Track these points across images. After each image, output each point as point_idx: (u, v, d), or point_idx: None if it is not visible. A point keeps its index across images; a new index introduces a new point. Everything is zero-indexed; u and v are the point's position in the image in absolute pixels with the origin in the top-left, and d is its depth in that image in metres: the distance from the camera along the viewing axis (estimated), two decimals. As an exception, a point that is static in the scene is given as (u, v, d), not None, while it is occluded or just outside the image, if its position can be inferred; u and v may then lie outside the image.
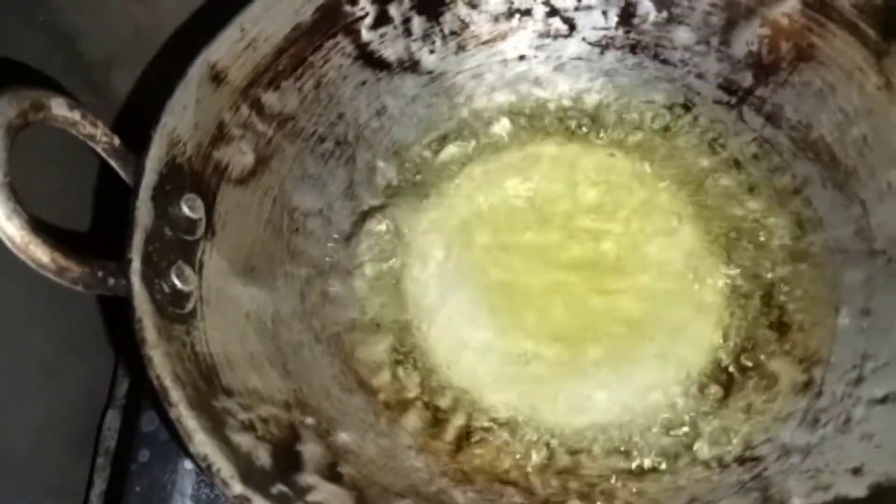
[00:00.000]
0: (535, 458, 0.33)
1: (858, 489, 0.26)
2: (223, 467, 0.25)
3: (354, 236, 0.40)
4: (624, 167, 0.40)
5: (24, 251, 0.26)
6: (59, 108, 0.29)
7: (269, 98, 0.38)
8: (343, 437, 0.32)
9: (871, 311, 0.33)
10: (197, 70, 0.34)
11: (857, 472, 0.27)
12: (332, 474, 0.30)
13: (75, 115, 0.30)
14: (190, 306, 0.31)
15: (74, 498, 0.58)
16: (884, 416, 0.29)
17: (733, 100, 0.40)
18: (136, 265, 0.29)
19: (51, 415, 0.53)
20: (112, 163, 0.32)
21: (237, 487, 0.24)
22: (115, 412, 0.61)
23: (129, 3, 0.53)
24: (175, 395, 0.26)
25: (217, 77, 0.35)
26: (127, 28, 0.55)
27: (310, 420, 0.32)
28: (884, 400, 0.29)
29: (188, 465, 0.40)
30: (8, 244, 0.26)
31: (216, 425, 0.27)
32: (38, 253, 0.26)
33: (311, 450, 0.30)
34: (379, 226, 0.40)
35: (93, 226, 0.61)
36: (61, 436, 0.55)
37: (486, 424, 0.35)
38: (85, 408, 0.60)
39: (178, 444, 0.27)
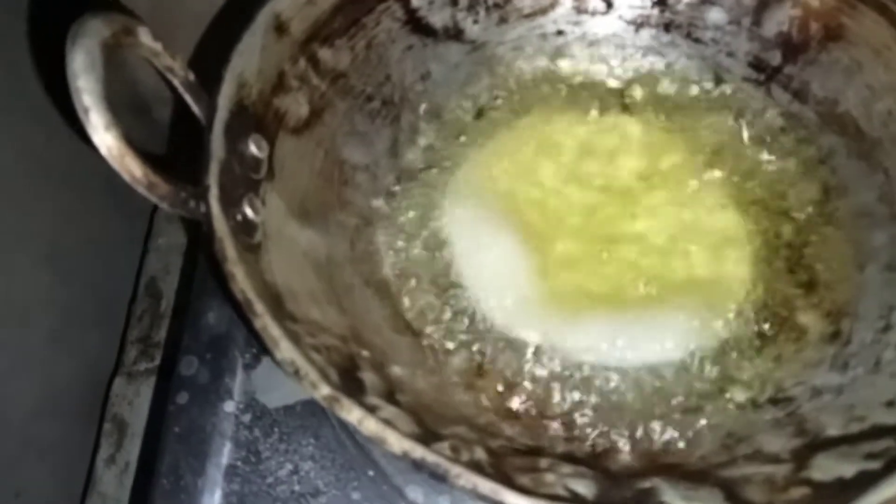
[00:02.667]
0: (574, 399, 0.35)
1: (893, 417, 0.28)
2: (310, 372, 0.26)
3: (398, 190, 0.42)
4: (658, 137, 0.42)
5: (121, 162, 0.27)
6: (145, 36, 0.31)
7: (325, 54, 0.39)
8: (396, 370, 0.34)
9: (896, 267, 0.35)
10: (263, 18, 0.36)
11: (891, 404, 0.29)
12: (391, 399, 0.31)
13: (158, 46, 0.31)
14: (258, 237, 0.32)
15: (80, 463, 0.58)
16: (913, 355, 0.31)
17: (762, 77, 0.43)
18: (214, 191, 0.30)
19: (56, 384, 0.54)
20: (186, 97, 0.33)
21: (325, 389, 0.25)
22: (122, 379, 0.62)
23: None
24: (259, 307, 0.27)
25: (280, 27, 0.37)
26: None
27: (365, 353, 0.33)
28: (913, 343, 0.32)
29: (228, 407, 0.40)
30: (105, 153, 0.27)
31: (294, 340, 0.28)
32: (133, 166, 0.27)
33: (370, 378, 0.32)
34: (421, 181, 0.42)
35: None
36: (67, 404, 0.56)
37: (530, 365, 0.36)
38: (91, 377, 0.60)
39: (264, 350, 0.28)
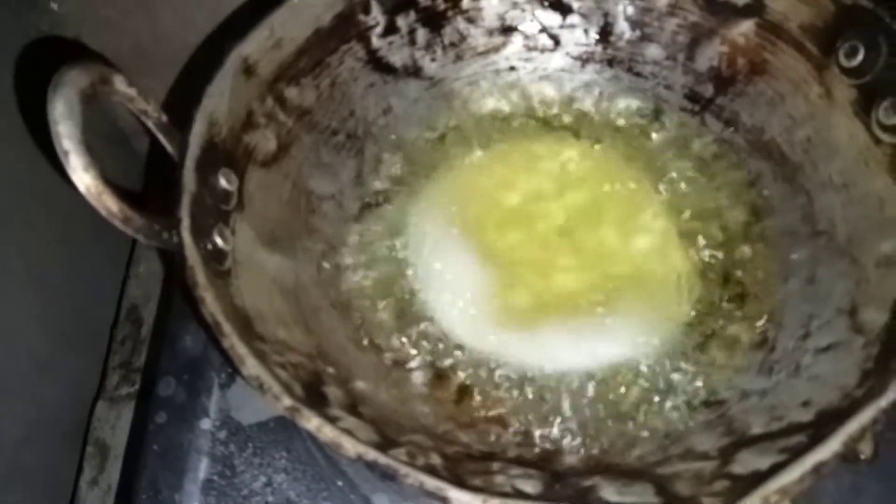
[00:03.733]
0: (527, 407, 0.38)
1: (807, 416, 0.31)
2: (273, 385, 0.28)
3: (362, 217, 0.45)
4: (602, 163, 0.45)
5: (98, 200, 0.30)
6: (120, 83, 0.34)
7: (291, 92, 0.42)
8: (360, 385, 0.36)
9: (816, 280, 0.38)
10: (232, 61, 0.38)
11: (805, 404, 0.32)
12: (353, 411, 0.33)
13: (132, 92, 0.34)
14: (227, 265, 0.35)
15: (64, 485, 0.59)
16: (827, 361, 0.34)
17: (697, 107, 0.46)
18: (186, 222, 0.33)
19: (42, 408, 0.55)
20: (159, 136, 0.36)
21: (287, 400, 0.28)
22: (105, 403, 0.63)
23: (129, 19, 0.58)
24: (227, 327, 0.30)
25: (248, 70, 0.39)
26: (127, 42, 0.59)
27: (330, 370, 0.36)
28: (826, 349, 0.35)
29: (204, 425, 0.43)
30: (84, 192, 0.29)
31: (260, 358, 0.30)
32: (109, 202, 0.30)
33: (334, 392, 0.34)
34: (384, 209, 0.45)
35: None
36: (51, 428, 0.57)
37: (483, 377, 0.39)
38: (74, 400, 0.61)
39: (232, 368, 0.31)
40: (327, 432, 0.27)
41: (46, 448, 0.56)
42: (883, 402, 0.27)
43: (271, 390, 0.28)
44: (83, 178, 0.29)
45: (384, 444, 0.30)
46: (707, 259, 0.42)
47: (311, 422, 0.27)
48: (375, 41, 0.45)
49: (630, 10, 0.46)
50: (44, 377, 0.55)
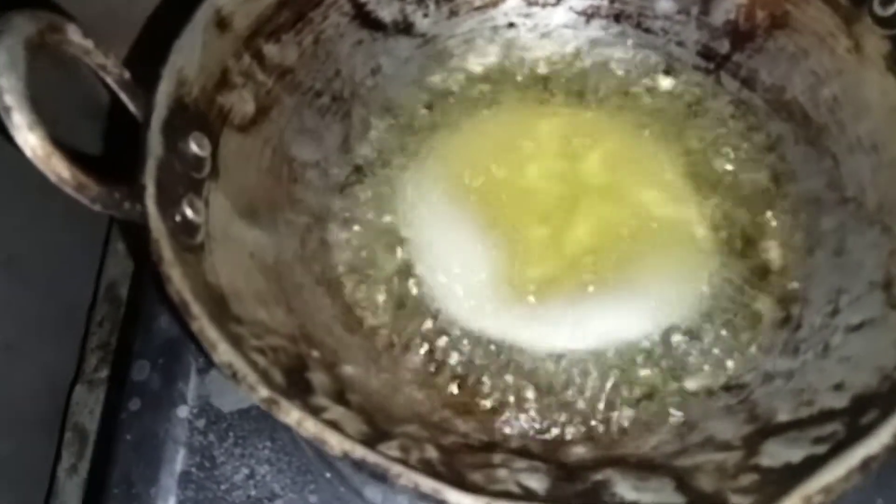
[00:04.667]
0: (530, 391, 0.35)
1: (841, 401, 0.28)
2: (248, 374, 0.25)
3: (350, 187, 0.41)
4: (613, 127, 0.42)
5: (46, 163, 0.26)
6: (74, 33, 0.30)
7: (270, 49, 0.39)
8: (348, 369, 0.33)
9: (845, 251, 0.35)
10: (203, 13, 0.35)
11: (838, 387, 0.29)
12: (340, 399, 0.30)
13: (88, 44, 0.31)
14: (200, 238, 0.32)
15: (41, 474, 0.57)
16: (860, 340, 0.31)
17: (711, 65, 0.43)
18: (150, 190, 0.29)
19: (14, 393, 0.53)
20: (122, 95, 0.33)
21: (263, 391, 0.25)
22: (83, 387, 0.61)
23: None
24: (196, 308, 0.27)
25: (222, 23, 0.36)
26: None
27: (315, 353, 0.33)
28: (859, 326, 0.32)
29: (182, 412, 0.40)
30: (29, 154, 0.26)
31: (235, 342, 0.27)
32: (60, 167, 0.27)
33: (319, 378, 0.31)
34: (373, 177, 0.42)
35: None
36: (26, 413, 0.55)
37: (484, 358, 0.36)
38: (50, 385, 0.59)
39: (204, 356, 0.27)
40: (309, 427, 0.24)
41: (21, 435, 0.54)
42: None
43: (246, 380, 0.25)
44: (28, 138, 0.26)
45: (374, 437, 0.28)
46: (725, 228, 0.39)
47: (291, 415, 0.24)
48: (363, -6, 0.42)
49: (639, -41, 0.42)
50: (16, 362, 0.52)
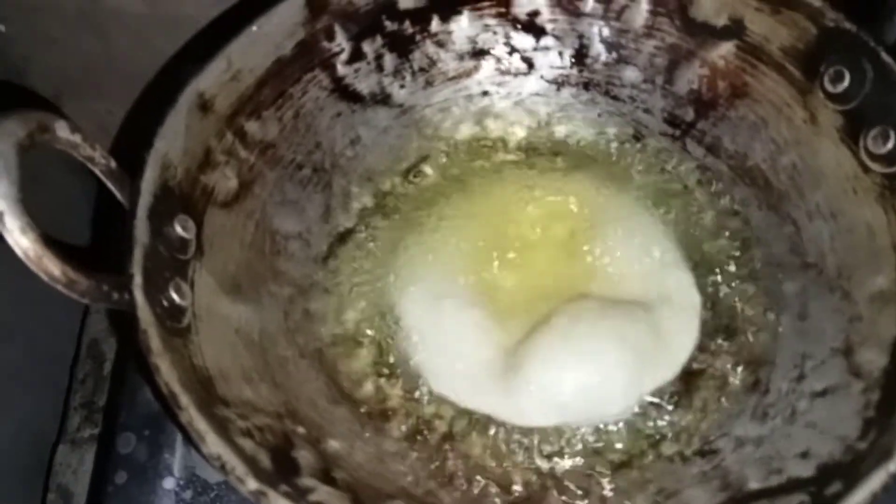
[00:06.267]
0: (515, 458, 0.36)
1: (807, 470, 0.30)
2: (237, 466, 0.26)
3: (332, 257, 0.42)
4: (582, 190, 0.43)
5: (38, 264, 0.27)
6: (62, 130, 0.31)
7: (252, 127, 0.40)
8: (333, 444, 0.34)
9: (808, 316, 0.37)
10: (187, 98, 0.36)
11: (804, 455, 0.31)
12: (326, 478, 0.31)
13: (76, 138, 0.32)
14: (186, 321, 0.32)
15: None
16: (824, 406, 0.33)
17: (677, 132, 0.44)
18: (138, 280, 0.30)
19: (-6, 455, 0.52)
20: (109, 184, 0.33)
21: (252, 484, 0.26)
22: (66, 447, 0.60)
23: (79, 40, 0.55)
24: (184, 399, 0.27)
25: (205, 106, 0.37)
26: (77, 63, 0.56)
27: (300, 429, 0.33)
28: (823, 393, 0.33)
29: (168, 484, 0.40)
30: (22, 257, 0.27)
31: (222, 429, 0.28)
32: (51, 266, 0.27)
33: (304, 456, 0.32)
34: (354, 246, 0.43)
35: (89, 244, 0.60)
36: (7, 473, 0.54)
37: (467, 429, 0.37)
38: (32, 444, 0.58)
39: (191, 443, 0.28)
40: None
41: (3, 496, 0.54)
42: (892, 465, 0.26)
43: (234, 472, 0.26)
44: (20, 241, 0.27)
45: (362, 517, 0.28)
46: (697, 292, 0.40)
47: (280, 507, 0.25)
48: (341, 69, 0.43)
49: (606, 31, 0.44)
50: (-3, 420, 0.52)
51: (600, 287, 0.40)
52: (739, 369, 0.37)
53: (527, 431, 0.36)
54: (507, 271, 0.41)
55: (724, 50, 0.41)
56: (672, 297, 0.40)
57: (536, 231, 0.43)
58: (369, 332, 0.40)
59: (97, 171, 0.33)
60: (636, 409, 0.37)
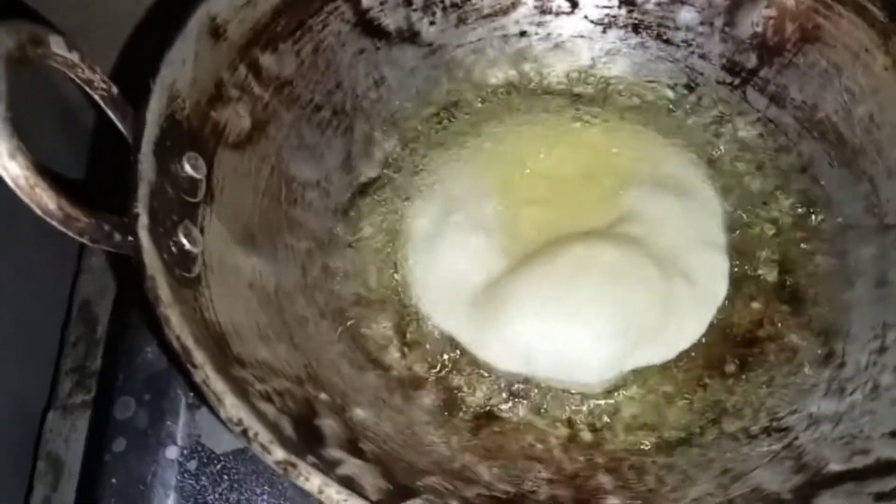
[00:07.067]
0: (558, 433, 0.32)
1: (900, 451, 0.26)
2: (260, 432, 0.22)
3: (353, 209, 0.39)
4: (628, 144, 0.40)
5: (30, 194, 0.23)
6: (57, 46, 0.27)
7: (267, 60, 0.36)
8: (358, 413, 0.31)
9: (888, 282, 0.33)
10: (197, 21, 0.32)
11: (894, 435, 0.27)
12: (354, 450, 0.28)
13: (74, 57, 0.28)
14: (196, 270, 0.29)
15: (13, 505, 0.53)
16: (914, 381, 0.29)
17: (737, 80, 0.41)
18: (143, 220, 0.27)
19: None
20: (109, 112, 0.29)
21: (279, 452, 0.22)
22: (56, 413, 0.57)
23: None
24: (199, 356, 0.24)
25: (216, 32, 0.33)
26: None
27: (323, 396, 0.30)
28: (912, 366, 0.30)
29: (171, 453, 0.36)
30: (11, 185, 0.23)
31: (241, 391, 0.24)
32: (45, 198, 0.23)
33: (329, 425, 0.28)
34: (377, 199, 0.39)
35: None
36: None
37: (504, 399, 0.33)
38: (21, 411, 0.55)
39: (205, 405, 0.25)
40: (332, 495, 0.21)
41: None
42: None
43: (258, 438, 0.22)
44: (9, 166, 0.23)
45: (395, 494, 0.25)
46: (754, 257, 0.36)
47: (312, 481, 0.21)
48: (365, 0, 0.39)
49: (660, -35, 0.40)
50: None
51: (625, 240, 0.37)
52: (809, 339, 0.34)
53: (577, 395, 0.33)
54: (532, 207, 0.38)
55: (796, -12, 0.37)
56: (697, 278, 0.36)
57: (570, 183, 0.39)
58: (394, 292, 0.36)
59: (96, 97, 0.29)
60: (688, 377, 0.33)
